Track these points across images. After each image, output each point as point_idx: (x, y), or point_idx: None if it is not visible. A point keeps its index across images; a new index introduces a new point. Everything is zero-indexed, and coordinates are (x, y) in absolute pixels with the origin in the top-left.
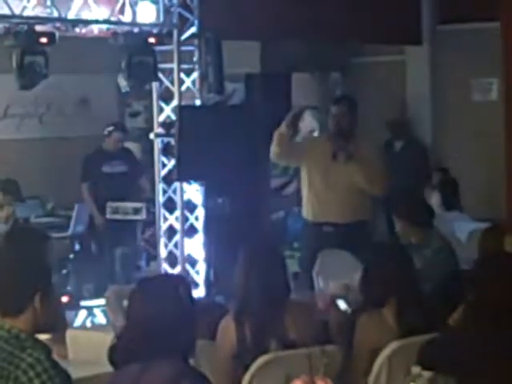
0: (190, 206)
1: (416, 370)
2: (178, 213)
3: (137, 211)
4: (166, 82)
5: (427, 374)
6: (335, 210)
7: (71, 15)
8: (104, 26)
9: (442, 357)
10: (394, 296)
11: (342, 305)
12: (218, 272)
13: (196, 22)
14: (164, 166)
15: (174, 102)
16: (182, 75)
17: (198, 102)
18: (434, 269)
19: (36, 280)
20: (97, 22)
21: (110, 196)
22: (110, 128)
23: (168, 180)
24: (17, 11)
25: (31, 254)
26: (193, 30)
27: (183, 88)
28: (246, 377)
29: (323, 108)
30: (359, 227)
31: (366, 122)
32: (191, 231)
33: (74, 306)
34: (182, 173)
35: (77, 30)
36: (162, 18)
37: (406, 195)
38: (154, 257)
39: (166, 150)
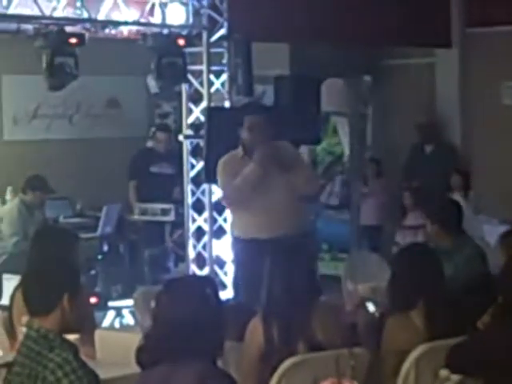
0: (218, 208)
1: (444, 373)
2: (206, 214)
3: (165, 212)
4: (196, 84)
5: (455, 377)
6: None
7: (101, 16)
8: (134, 28)
9: (471, 360)
10: (423, 299)
11: (370, 307)
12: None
13: (225, 23)
14: (193, 167)
15: (203, 104)
16: (212, 77)
17: (227, 104)
18: (465, 274)
19: (65, 280)
20: (126, 23)
21: (153, 196)
22: (154, 129)
23: (197, 181)
24: (47, 12)
25: (60, 253)
26: (222, 31)
27: (212, 90)
28: (274, 379)
29: (355, 112)
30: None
31: (396, 125)
32: (219, 232)
33: (102, 307)
34: (211, 174)
35: (106, 31)
36: (191, 20)
37: (439, 200)
38: (182, 258)
39: (195, 152)
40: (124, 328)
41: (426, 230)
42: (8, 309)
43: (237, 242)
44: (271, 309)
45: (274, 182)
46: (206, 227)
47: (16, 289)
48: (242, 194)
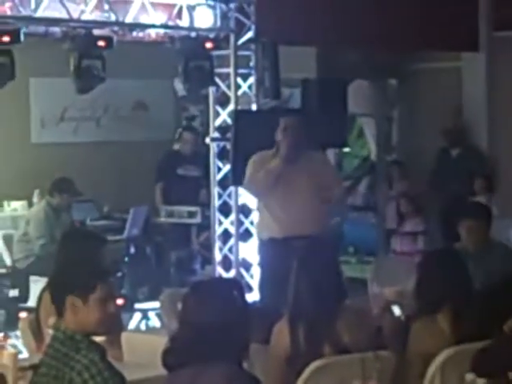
0: (244, 210)
1: (470, 377)
2: (232, 217)
3: (192, 215)
4: (223, 87)
5: (481, 381)
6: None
7: (129, 19)
8: (161, 31)
9: (497, 364)
10: (449, 302)
11: (396, 310)
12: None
13: (253, 26)
14: (219, 170)
15: (231, 107)
16: (239, 80)
17: (254, 107)
18: (494, 277)
19: (93, 281)
20: (154, 26)
21: (180, 198)
22: (180, 130)
23: (223, 184)
24: (75, 15)
25: (88, 256)
26: (249, 34)
27: (239, 93)
28: (299, 382)
29: (381, 115)
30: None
31: (422, 129)
32: (246, 235)
33: (129, 309)
34: (237, 177)
35: (134, 34)
36: (218, 23)
37: (473, 203)
38: (208, 260)
39: (222, 155)
40: (150, 330)
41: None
42: (35, 310)
43: (263, 242)
44: (297, 311)
45: (300, 183)
46: (232, 230)
47: (43, 291)
48: (263, 186)
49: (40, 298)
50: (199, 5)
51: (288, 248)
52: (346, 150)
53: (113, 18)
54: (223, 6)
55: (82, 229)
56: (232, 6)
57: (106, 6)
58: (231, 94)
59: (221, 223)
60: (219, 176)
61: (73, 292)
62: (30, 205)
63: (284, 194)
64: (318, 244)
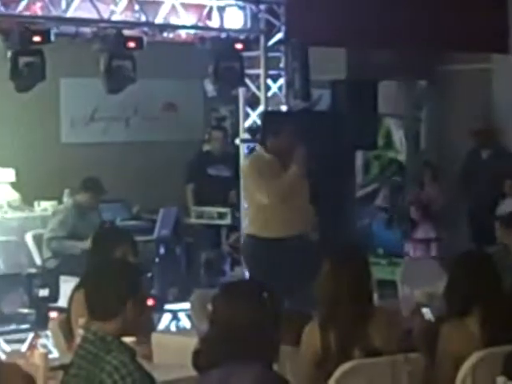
0: None
1: (501, 380)
2: None
3: (222, 216)
4: (253, 88)
5: None
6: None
7: (159, 20)
8: (191, 31)
9: None
10: (479, 304)
11: (426, 313)
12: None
13: (283, 27)
14: None
15: (260, 108)
16: (269, 81)
17: (283, 108)
18: None
19: (130, 284)
20: (184, 27)
21: (210, 199)
22: (208, 129)
23: None
24: (105, 15)
25: (123, 256)
26: (279, 36)
27: (269, 94)
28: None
29: (409, 116)
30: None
31: (451, 130)
32: None
33: (159, 310)
34: None
35: (164, 34)
36: (249, 24)
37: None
38: (238, 261)
39: None
40: (180, 331)
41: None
42: (66, 310)
43: (258, 241)
44: (330, 315)
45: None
46: None
47: (75, 290)
48: (286, 193)
49: (71, 298)
50: (229, 6)
51: (283, 247)
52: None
53: (143, 18)
54: (253, 7)
55: (113, 229)
56: (262, 7)
57: (137, 7)
58: (261, 95)
59: None
60: None
61: (132, 296)
62: (60, 204)
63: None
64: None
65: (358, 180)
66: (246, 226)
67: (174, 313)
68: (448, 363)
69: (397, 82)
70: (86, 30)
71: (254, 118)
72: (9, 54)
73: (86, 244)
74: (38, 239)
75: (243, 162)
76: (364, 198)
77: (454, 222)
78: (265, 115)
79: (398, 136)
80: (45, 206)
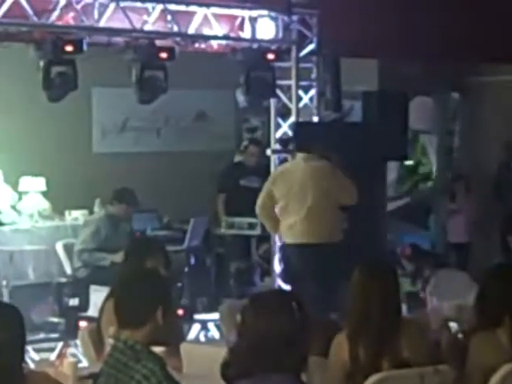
0: None
1: None
2: None
3: (252, 226)
4: (284, 99)
5: None
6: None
7: (191, 31)
8: (223, 42)
9: None
10: (510, 316)
11: (454, 326)
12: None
13: (315, 39)
14: None
15: (292, 119)
16: (300, 92)
17: (315, 119)
18: None
19: (159, 294)
20: (216, 37)
21: (241, 209)
22: (245, 143)
23: None
24: (137, 26)
25: (155, 267)
26: (311, 46)
27: (301, 105)
28: None
29: (442, 129)
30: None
31: (485, 142)
32: None
33: (188, 320)
34: None
35: (196, 45)
36: (280, 35)
37: None
38: (268, 272)
39: None
40: (209, 341)
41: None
42: (97, 320)
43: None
44: (360, 326)
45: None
46: None
47: (106, 300)
48: None
49: (102, 308)
50: (261, 16)
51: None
52: (408, 162)
53: (175, 28)
54: (285, 17)
55: (146, 241)
56: (294, 18)
57: (169, 17)
58: (292, 105)
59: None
60: None
61: (162, 305)
62: (91, 214)
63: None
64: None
65: (390, 193)
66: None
67: (204, 323)
68: (477, 375)
69: (429, 96)
70: (119, 39)
71: (285, 128)
72: (41, 63)
73: (116, 256)
74: (68, 248)
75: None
76: (395, 211)
77: (487, 233)
78: (296, 126)
79: (432, 150)
80: (75, 216)
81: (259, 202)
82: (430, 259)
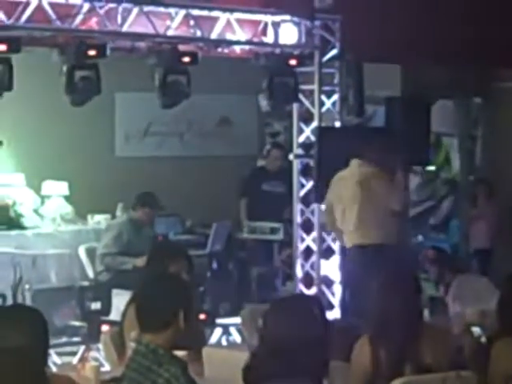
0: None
1: None
2: (315, 234)
3: (274, 231)
4: (307, 104)
5: None
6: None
7: (214, 35)
8: (246, 47)
9: None
10: None
11: (476, 331)
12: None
13: (337, 44)
14: (302, 186)
15: (314, 124)
16: (323, 97)
17: (337, 124)
18: None
19: (181, 298)
20: (239, 42)
21: (264, 214)
22: (268, 147)
23: (306, 201)
24: (160, 31)
25: (177, 271)
26: (334, 52)
27: (323, 109)
28: None
29: (465, 134)
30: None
31: (507, 148)
32: (328, 252)
33: (210, 324)
34: (321, 194)
35: (219, 50)
36: (303, 40)
37: None
38: (290, 277)
39: (305, 171)
40: (231, 345)
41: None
42: (120, 323)
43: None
44: (382, 331)
45: (377, 195)
46: (314, 247)
47: (128, 304)
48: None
49: (125, 312)
50: (284, 21)
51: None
52: (431, 168)
53: (198, 33)
54: (308, 23)
55: (170, 245)
56: (317, 23)
57: (192, 22)
58: (315, 110)
59: (303, 240)
60: (302, 193)
61: (184, 309)
62: (114, 218)
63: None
64: (403, 262)
65: (414, 198)
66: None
67: (226, 327)
68: (500, 381)
69: (452, 101)
70: (142, 44)
71: (307, 133)
72: (64, 68)
73: (139, 260)
74: (90, 252)
75: None
76: (419, 215)
77: (509, 238)
78: (319, 131)
79: (455, 155)
80: (98, 220)
81: (325, 219)
82: (452, 263)
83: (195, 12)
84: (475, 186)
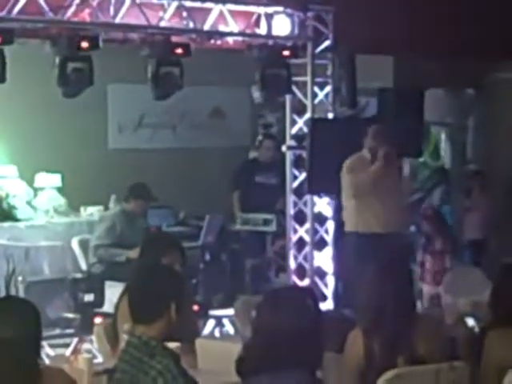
0: (320, 219)
1: None
2: (308, 225)
3: (267, 223)
4: (299, 95)
5: None
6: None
7: (207, 27)
8: (239, 38)
9: None
10: None
11: (470, 322)
12: (346, 285)
13: (330, 35)
14: (295, 178)
15: (307, 115)
16: (316, 88)
17: (330, 116)
18: None
19: (173, 289)
20: (232, 34)
21: (257, 206)
22: (260, 138)
23: (299, 192)
24: (153, 22)
25: (169, 262)
26: (327, 43)
27: (316, 101)
28: None
29: (456, 124)
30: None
31: (498, 139)
32: (321, 244)
33: (203, 316)
34: (313, 186)
35: (212, 41)
36: (296, 31)
37: None
38: (283, 268)
39: (298, 163)
40: (224, 337)
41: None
42: (113, 315)
43: (359, 235)
44: (375, 322)
45: (393, 184)
46: (307, 238)
47: (122, 295)
48: (364, 187)
49: (118, 303)
50: (277, 13)
51: (386, 242)
52: (421, 159)
53: (191, 25)
54: (301, 14)
55: (163, 236)
56: (310, 14)
57: (185, 14)
58: (308, 102)
59: (296, 231)
60: (295, 184)
61: (176, 300)
62: (107, 210)
63: (381, 193)
64: (396, 254)
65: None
66: (346, 225)
67: (219, 319)
68: (493, 372)
69: (444, 90)
70: (134, 36)
71: (300, 125)
72: (57, 60)
73: (132, 252)
74: (83, 244)
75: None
76: (409, 205)
77: (502, 230)
78: (312, 122)
79: (445, 144)
80: (91, 212)
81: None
82: (444, 227)
83: (188, 3)
84: (470, 177)
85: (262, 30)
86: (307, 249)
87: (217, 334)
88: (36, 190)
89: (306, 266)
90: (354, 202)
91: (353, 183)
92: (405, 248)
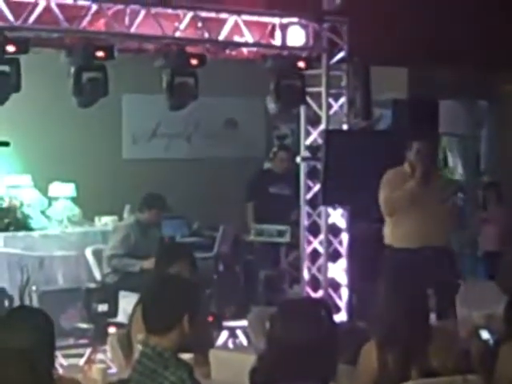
0: (334, 231)
1: None
2: (322, 237)
3: (281, 234)
4: (314, 106)
5: None
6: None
7: (222, 37)
8: (254, 49)
9: None
10: None
11: (484, 335)
12: (360, 297)
13: (345, 46)
14: (309, 189)
15: (321, 126)
16: (330, 99)
17: (345, 127)
18: None
19: (186, 300)
20: (247, 44)
21: (271, 217)
22: (275, 149)
23: (313, 203)
24: (168, 32)
25: (184, 273)
26: (342, 54)
27: (331, 112)
28: None
29: (469, 135)
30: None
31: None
32: (335, 255)
33: (217, 327)
34: (327, 197)
35: (227, 51)
36: (311, 42)
37: None
38: (297, 280)
39: (312, 174)
40: (237, 348)
41: None
42: (127, 325)
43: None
44: (389, 334)
45: (431, 203)
46: (321, 250)
47: (136, 306)
48: (398, 206)
49: (133, 314)
50: (292, 24)
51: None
52: None
53: (206, 35)
54: (316, 25)
55: (173, 245)
56: (325, 25)
57: (200, 24)
58: (322, 113)
59: (310, 243)
60: (309, 195)
61: (189, 311)
62: (121, 220)
63: (416, 211)
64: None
65: None
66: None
67: (232, 330)
68: None
69: (457, 102)
70: (149, 46)
71: (314, 136)
72: (72, 69)
73: (146, 262)
74: (97, 254)
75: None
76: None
77: None
78: (326, 134)
79: (456, 155)
80: (105, 221)
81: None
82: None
83: (203, 14)
84: (485, 189)
85: (277, 40)
86: (321, 260)
87: (230, 345)
88: (50, 200)
89: (320, 277)
90: (389, 217)
91: (387, 199)
92: (436, 261)
